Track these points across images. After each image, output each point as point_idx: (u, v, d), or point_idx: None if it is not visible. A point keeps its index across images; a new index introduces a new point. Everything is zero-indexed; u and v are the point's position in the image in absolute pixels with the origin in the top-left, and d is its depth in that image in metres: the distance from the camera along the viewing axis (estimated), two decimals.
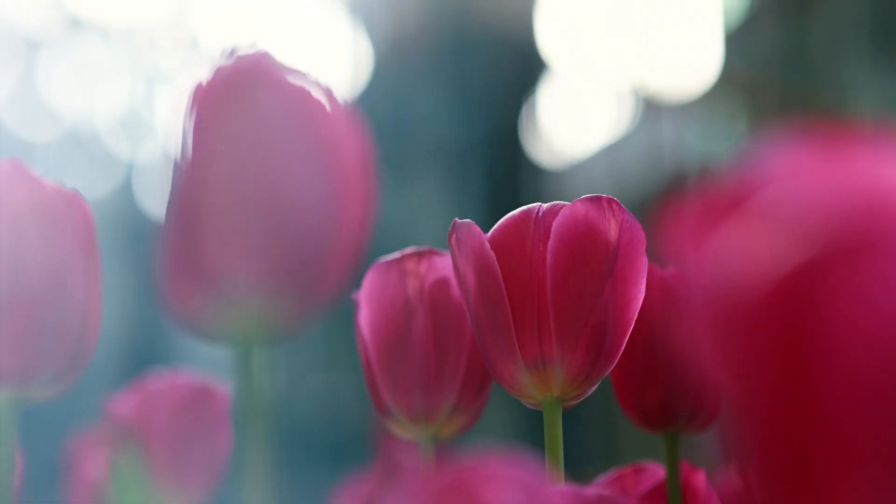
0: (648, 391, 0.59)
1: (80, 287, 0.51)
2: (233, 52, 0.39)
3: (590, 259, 0.54)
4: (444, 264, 0.59)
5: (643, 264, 0.55)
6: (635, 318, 0.55)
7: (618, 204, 0.55)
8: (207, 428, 0.78)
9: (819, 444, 0.27)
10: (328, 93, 0.39)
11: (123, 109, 3.89)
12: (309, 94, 0.39)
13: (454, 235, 0.56)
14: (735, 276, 0.29)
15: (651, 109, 3.37)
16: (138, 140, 3.71)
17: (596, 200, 0.55)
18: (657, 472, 0.61)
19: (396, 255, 0.60)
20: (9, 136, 3.93)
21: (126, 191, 3.64)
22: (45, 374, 0.50)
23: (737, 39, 3.29)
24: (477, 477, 0.37)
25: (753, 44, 3.24)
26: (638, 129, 3.33)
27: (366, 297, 0.60)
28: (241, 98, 0.38)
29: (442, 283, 0.59)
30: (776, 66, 3.20)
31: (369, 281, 0.60)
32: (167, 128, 0.40)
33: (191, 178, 0.38)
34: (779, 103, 3.00)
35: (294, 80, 0.39)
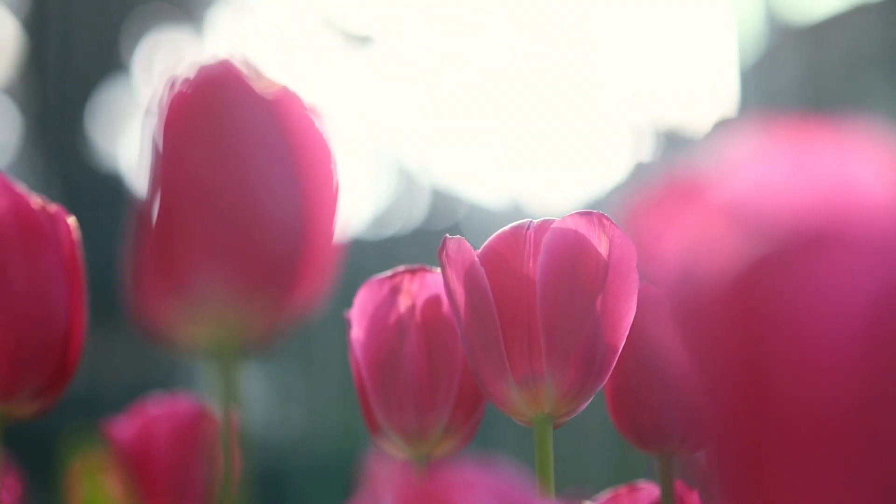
0: (642, 410, 0.58)
1: (62, 303, 0.50)
2: (203, 60, 0.39)
3: (580, 275, 0.54)
4: (435, 282, 0.59)
5: (634, 280, 0.54)
6: (627, 334, 0.55)
7: (609, 219, 0.54)
8: (207, 452, 0.78)
9: (775, 440, 0.27)
10: (297, 100, 0.39)
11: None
12: (278, 101, 0.39)
13: (444, 252, 0.56)
14: (695, 269, 0.29)
15: (669, 144, 3.37)
16: None
17: (586, 216, 0.54)
18: (653, 491, 0.60)
19: (388, 272, 0.60)
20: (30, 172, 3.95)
21: None
22: (28, 390, 0.50)
23: (754, 74, 3.29)
24: (451, 484, 0.37)
25: (770, 78, 3.24)
26: (656, 165, 3.33)
27: (358, 316, 0.60)
28: (211, 106, 0.38)
29: (434, 301, 0.59)
30: (793, 100, 3.20)
31: (361, 299, 0.60)
32: (141, 140, 0.40)
33: (162, 187, 0.38)
34: None
35: (263, 88, 0.39)
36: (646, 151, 3.38)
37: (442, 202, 4.78)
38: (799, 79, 3.19)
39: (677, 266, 0.29)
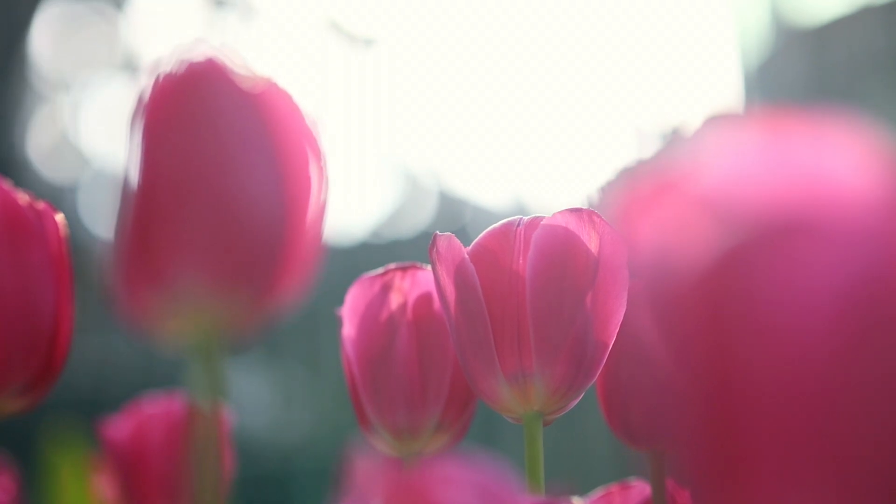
0: (633, 408, 0.58)
1: (49, 299, 0.51)
2: (184, 56, 0.39)
3: (570, 271, 0.54)
4: (427, 279, 0.59)
5: (624, 277, 0.54)
6: (617, 331, 0.55)
7: (599, 216, 0.54)
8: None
9: (747, 430, 0.27)
10: (284, 95, 0.39)
11: None
12: (263, 96, 0.39)
13: (435, 248, 0.56)
14: (669, 260, 0.28)
15: (673, 146, 3.37)
16: None
17: (576, 212, 0.54)
18: (644, 489, 0.60)
19: (379, 270, 0.60)
20: (36, 177, 3.96)
21: None
22: (14, 386, 0.50)
23: (759, 76, 3.29)
24: (430, 479, 0.37)
25: (775, 80, 3.24)
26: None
27: (349, 313, 0.60)
28: (192, 100, 0.38)
29: (425, 299, 0.59)
30: (797, 103, 3.20)
31: (352, 296, 0.60)
32: (122, 132, 0.40)
33: (143, 181, 0.38)
34: None
35: (245, 83, 0.39)
36: (649, 154, 3.38)
37: (448, 205, 4.78)
38: (804, 81, 3.18)
39: (653, 257, 0.29)
